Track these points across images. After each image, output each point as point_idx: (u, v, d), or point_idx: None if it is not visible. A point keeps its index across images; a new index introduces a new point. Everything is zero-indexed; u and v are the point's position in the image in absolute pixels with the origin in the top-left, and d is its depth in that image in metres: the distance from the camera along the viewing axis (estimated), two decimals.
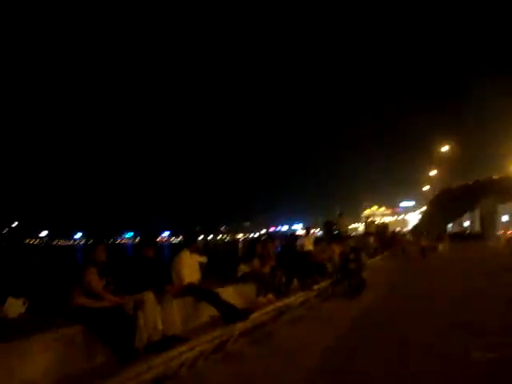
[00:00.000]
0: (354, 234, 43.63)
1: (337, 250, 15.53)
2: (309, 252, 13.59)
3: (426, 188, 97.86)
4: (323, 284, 12.58)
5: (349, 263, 13.12)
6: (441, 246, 34.53)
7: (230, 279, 9.48)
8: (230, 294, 8.41)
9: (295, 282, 11.20)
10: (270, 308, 8.70)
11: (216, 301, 7.19)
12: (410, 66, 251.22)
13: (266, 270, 9.87)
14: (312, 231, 19.31)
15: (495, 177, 68.53)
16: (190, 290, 7.32)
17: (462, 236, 57.43)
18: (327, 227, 23.01)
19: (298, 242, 13.39)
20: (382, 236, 30.71)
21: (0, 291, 6.44)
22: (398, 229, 58.25)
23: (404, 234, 48.81)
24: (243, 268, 9.76)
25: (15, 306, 5.74)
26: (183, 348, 5.68)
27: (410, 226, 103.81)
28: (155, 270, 6.60)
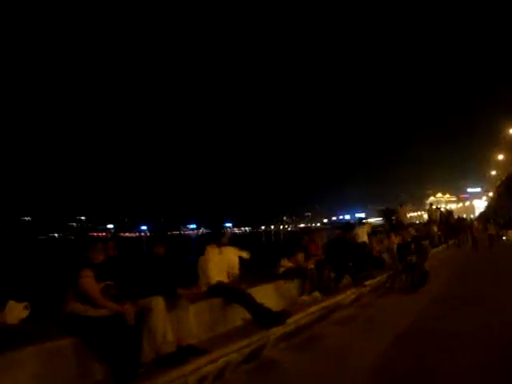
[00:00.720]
0: (417, 222, 41.63)
1: (396, 240, 14.25)
2: (363, 243, 12.36)
3: (493, 173, 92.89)
4: (379, 278, 11.42)
5: (409, 254, 11.79)
6: (510, 234, 31.95)
7: (270, 276, 8.49)
8: (268, 293, 7.49)
9: (347, 277, 10.02)
10: (314, 308, 7.68)
11: (247, 302, 6.20)
12: (473, 46, 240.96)
13: (311, 264, 8.79)
14: (367, 220, 18.09)
15: None
16: (217, 291, 6.38)
17: None
18: (386, 216, 21.28)
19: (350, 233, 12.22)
20: (447, 223, 28.70)
21: None
22: (464, 216, 54.99)
23: (471, 221, 46.19)
24: (285, 263, 8.74)
25: (16, 311, 5.02)
26: (202, 360, 4.77)
27: (477, 213, 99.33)
28: (167, 271, 5.64)
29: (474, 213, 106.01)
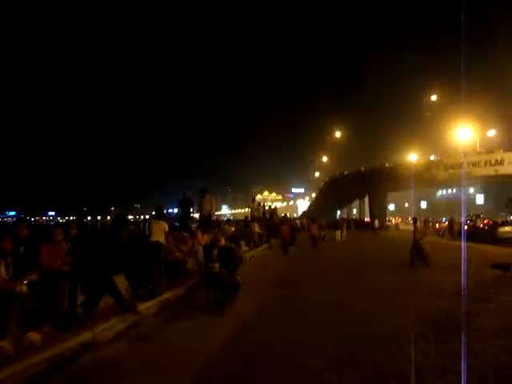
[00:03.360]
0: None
1: (203, 240, 11.43)
2: (157, 244, 9.11)
3: (317, 174, 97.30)
4: (174, 293, 8.44)
5: (212, 260, 8.90)
6: (337, 235, 31.68)
7: None
8: None
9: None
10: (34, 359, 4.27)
11: None
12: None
13: (22, 286, 5.34)
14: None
15: (387, 165, 67.62)
16: None
17: (353, 224, 55.66)
18: (182, 207, 15.36)
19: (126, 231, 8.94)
20: (270, 222, 26.92)
21: None
22: (287, 214, 55.11)
23: (294, 220, 46.03)
24: None
25: None
26: None
27: (299, 212, 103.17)
28: None
29: (297, 212, 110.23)
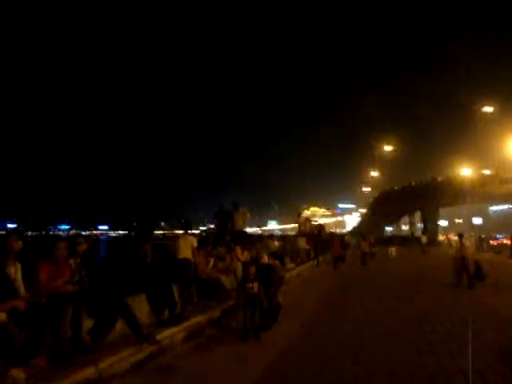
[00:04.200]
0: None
1: (242, 257, 10.34)
2: (185, 261, 8.09)
3: (366, 189, 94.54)
4: (207, 316, 7.42)
5: (249, 280, 7.78)
6: (390, 251, 29.79)
7: None
8: None
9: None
10: None
11: None
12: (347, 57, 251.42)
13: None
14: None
15: (440, 179, 64.86)
16: None
17: (404, 240, 53.14)
18: (220, 219, 14.35)
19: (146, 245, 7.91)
20: (317, 237, 25.56)
21: None
22: (336, 230, 53.35)
23: (343, 235, 44.30)
24: None
25: None
26: None
27: (348, 228, 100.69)
28: None
29: (345, 227, 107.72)
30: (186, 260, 7.99)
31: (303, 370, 5.36)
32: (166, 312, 6.78)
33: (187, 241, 8.22)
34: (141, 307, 6.28)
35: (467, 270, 13.06)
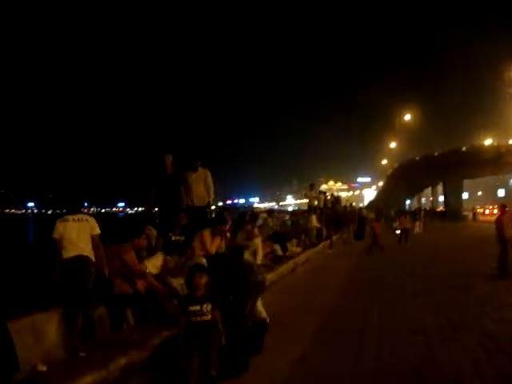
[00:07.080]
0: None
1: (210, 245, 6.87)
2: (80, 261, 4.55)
3: (384, 162, 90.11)
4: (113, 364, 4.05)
5: (201, 300, 4.27)
6: (417, 226, 25.94)
7: None
8: None
9: None
10: None
11: None
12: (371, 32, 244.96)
13: None
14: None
15: (464, 148, 60.15)
16: None
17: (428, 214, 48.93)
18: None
19: None
20: (332, 213, 21.88)
21: None
22: (353, 204, 49.05)
23: (360, 209, 40.48)
24: None
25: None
26: None
27: (365, 202, 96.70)
28: None
29: (363, 202, 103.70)
30: (80, 260, 4.51)
31: None
32: None
33: (81, 227, 4.68)
34: None
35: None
